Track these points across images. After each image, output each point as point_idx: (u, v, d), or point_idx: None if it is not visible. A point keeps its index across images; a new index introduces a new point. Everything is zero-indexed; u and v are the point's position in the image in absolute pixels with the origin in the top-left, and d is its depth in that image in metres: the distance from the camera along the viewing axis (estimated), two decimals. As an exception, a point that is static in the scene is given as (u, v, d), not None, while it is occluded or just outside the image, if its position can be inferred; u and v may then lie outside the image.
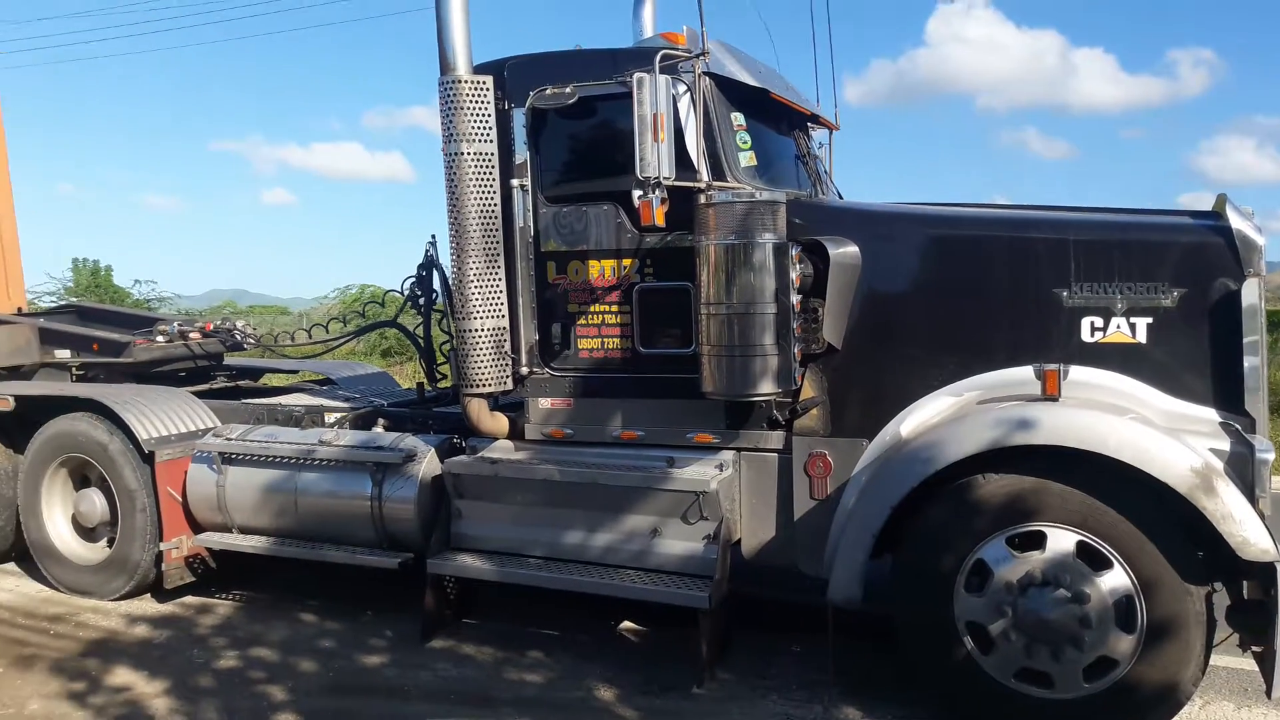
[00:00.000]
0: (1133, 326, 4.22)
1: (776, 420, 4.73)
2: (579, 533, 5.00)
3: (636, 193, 4.33)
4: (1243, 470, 3.78)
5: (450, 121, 4.89)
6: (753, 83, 4.85)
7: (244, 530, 5.89)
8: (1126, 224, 4.39)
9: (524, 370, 5.13)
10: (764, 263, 4.28)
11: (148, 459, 5.92)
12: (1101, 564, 3.87)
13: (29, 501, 6.40)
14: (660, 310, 4.87)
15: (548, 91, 4.87)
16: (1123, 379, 4.21)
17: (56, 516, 6.39)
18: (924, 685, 4.27)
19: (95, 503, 6.22)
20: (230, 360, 7.92)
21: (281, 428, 6.05)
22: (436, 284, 6.51)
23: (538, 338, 5.12)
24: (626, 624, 5.59)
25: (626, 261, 4.90)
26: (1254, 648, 3.99)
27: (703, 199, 4.38)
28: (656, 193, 4.28)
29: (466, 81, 4.86)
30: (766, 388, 4.36)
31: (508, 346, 5.08)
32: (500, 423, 5.24)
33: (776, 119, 5.27)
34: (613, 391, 5.02)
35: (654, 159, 4.23)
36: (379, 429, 5.85)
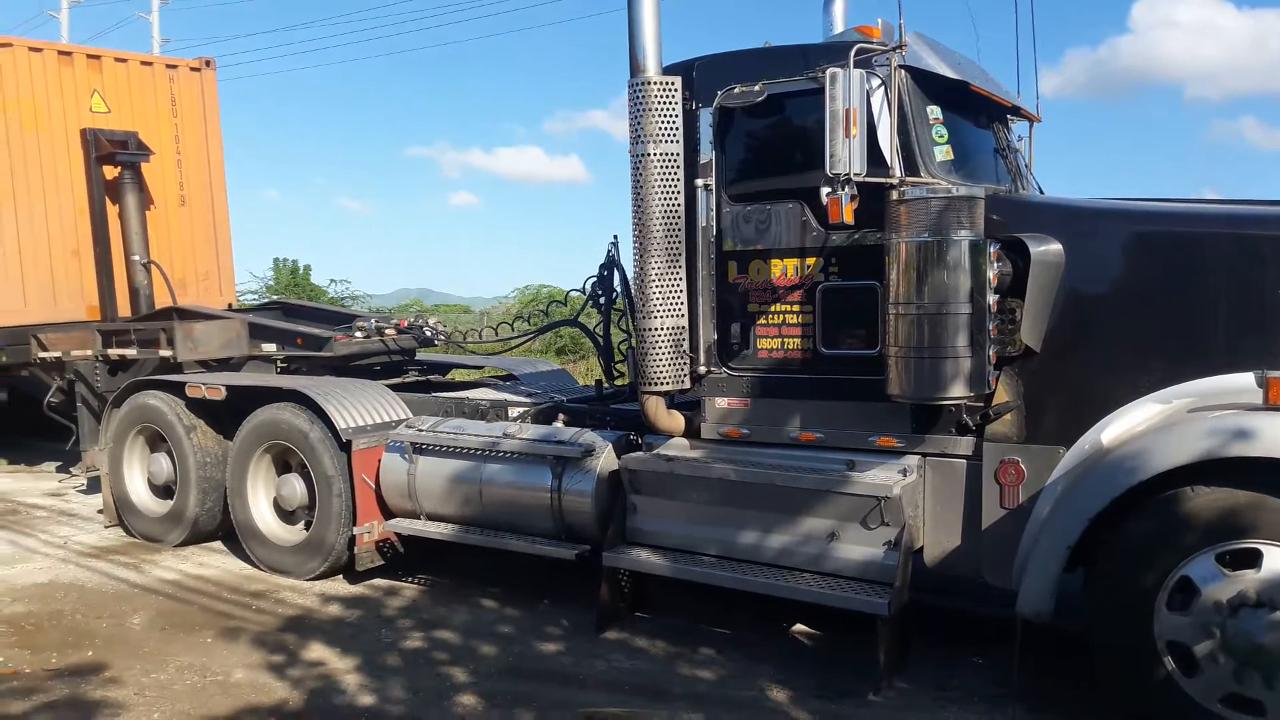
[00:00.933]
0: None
1: (966, 425, 4.68)
2: (753, 533, 5.09)
3: (825, 190, 4.40)
4: None
5: (638, 123, 5.11)
6: (951, 75, 4.83)
7: (431, 517, 6.30)
8: None
9: (702, 369, 5.27)
10: (959, 261, 4.25)
11: (345, 447, 6.42)
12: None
13: (236, 484, 7.05)
14: (844, 310, 4.92)
15: (736, 90, 5.02)
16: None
17: (260, 499, 7.00)
18: (1121, 706, 4.11)
19: (295, 487, 6.79)
20: (421, 356, 8.50)
21: (469, 420, 6.45)
22: (617, 284, 6.79)
23: (716, 337, 5.26)
24: (799, 627, 5.62)
25: (810, 260, 4.98)
26: None
27: (895, 195, 4.41)
28: (846, 190, 4.34)
29: (655, 83, 5.08)
30: (957, 391, 4.32)
31: (686, 345, 5.24)
32: (677, 421, 5.42)
33: (975, 112, 5.22)
34: (791, 392, 5.09)
35: (845, 155, 4.30)
36: (559, 424, 6.15)
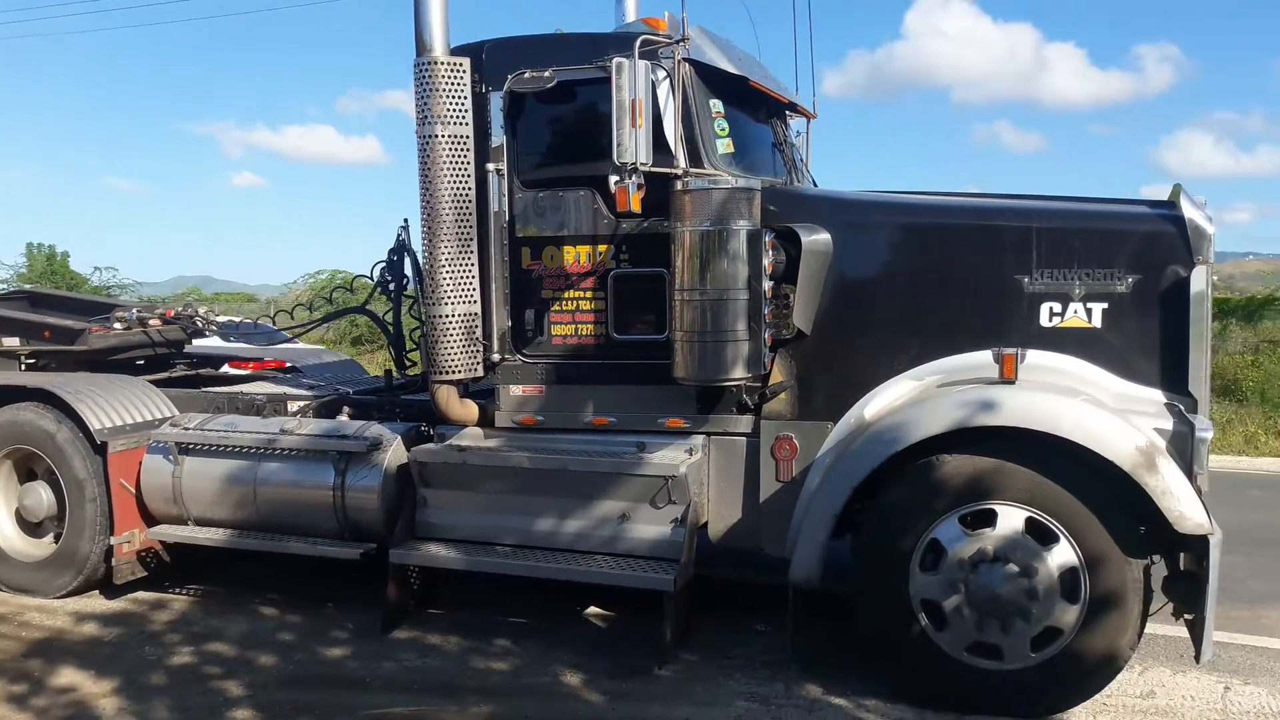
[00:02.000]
0: (1089, 312, 4.58)
1: (746, 404, 5.00)
2: (548, 520, 5.19)
3: (613, 178, 4.58)
4: (1183, 448, 4.12)
5: (426, 104, 5.11)
6: (732, 70, 5.14)
7: (200, 522, 5.96)
8: (1085, 213, 4.76)
9: (496, 357, 5.33)
10: (738, 249, 4.54)
11: (100, 450, 5.99)
12: (1049, 539, 4.18)
13: (-33, 496, 6.41)
14: (635, 296, 5.11)
15: (526, 75, 5.12)
16: (1077, 362, 4.56)
17: (-1, 511, 6.41)
18: (880, 662, 4.53)
19: (42, 496, 6.24)
20: (192, 348, 8.00)
21: (242, 416, 6.16)
22: (408, 269, 6.70)
23: (510, 324, 5.33)
24: (593, 609, 5.79)
25: (602, 248, 5.15)
26: (1185, 616, 4.33)
27: (679, 185, 4.65)
28: (633, 178, 4.54)
29: (443, 63, 5.09)
30: (738, 373, 4.62)
31: (479, 333, 5.28)
32: (470, 410, 5.44)
33: (755, 106, 5.57)
34: (586, 378, 5.24)
35: (631, 144, 4.49)
36: (343, 417, 6.01)
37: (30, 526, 6.38)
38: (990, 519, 4.24)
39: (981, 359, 4.57)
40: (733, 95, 5.25)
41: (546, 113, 5.23)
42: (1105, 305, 4.56)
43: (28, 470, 6.42)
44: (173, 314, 7.49)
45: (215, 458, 5.85)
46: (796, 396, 4.92)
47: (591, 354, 5.21)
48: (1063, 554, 4.15)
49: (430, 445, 5.44)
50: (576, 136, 5.27)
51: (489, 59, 5.21)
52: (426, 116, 5.11)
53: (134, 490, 6.06)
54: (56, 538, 6.24)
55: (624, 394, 5.19)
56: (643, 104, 4.51)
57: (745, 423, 5.03)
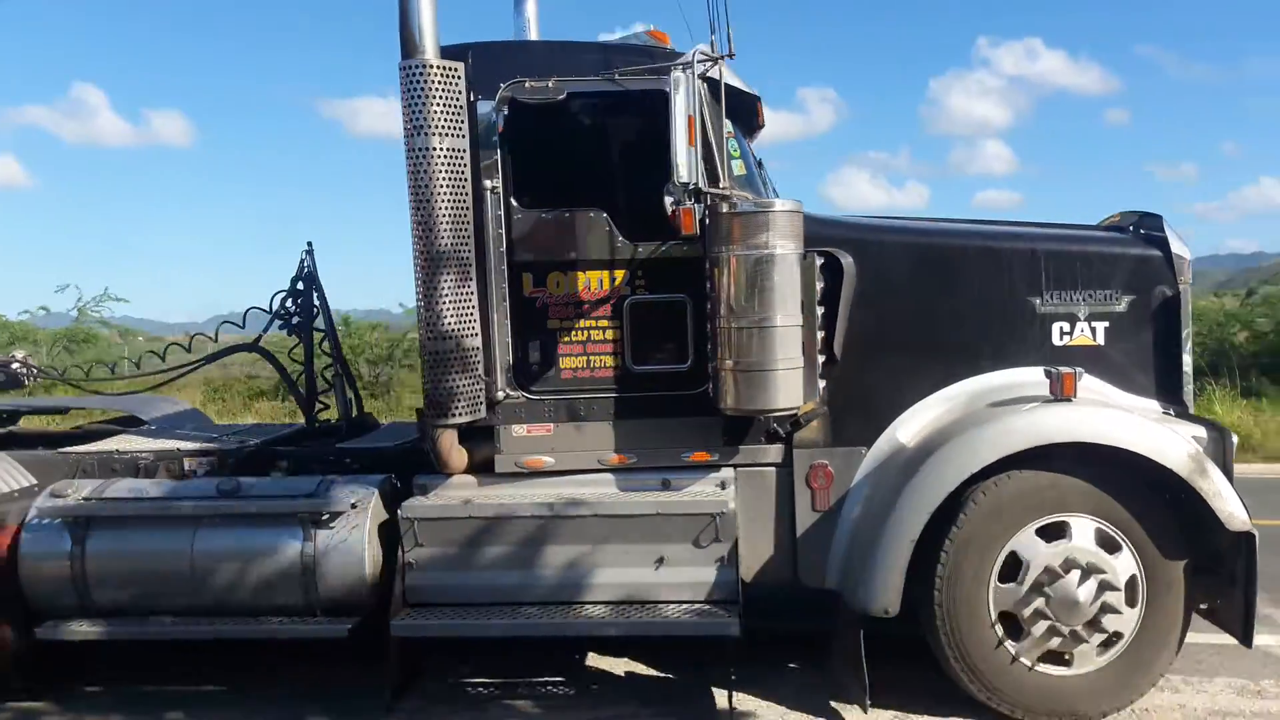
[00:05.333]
0: (1094, 330, 5.05)
1: (776, 433, 5.01)
2: (571, 571, 4.89)
3: (670, 199, 4.41)
4: (1216, 453, 4.67)
5: (418, 112, 4.63)
6: (747, 89, 5.12)
7: (107, 612, 5.02)
8: (1084, 237, 5.23)
9: (499, 394, 4.94)
10: (790, 274, 4.54)
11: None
12: (1114, 548, 4.58)
13: None
14: (653, 324, 4.96)
15: (528, 85, 4.80)
16: (1087, 377, 5.01)
17: None
18: (954, 676, 4.72)
19: None
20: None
21: (150, 480, 5.26)
22: (316, 301, 6.11)
23: (512, 358, 4.97)
24: (594, 661, 5.54)
25: (618, 273, 4.94)
26: (1202, 605, 4.90)
27: (725, 207, 4.56)
28: (693, 200, 4.40)
29: (436, 67, 4.63)
30: (793, 401, 4.61)
31: (480, 369, 4.87)
32: (462, 457, 5.00)
33: (749, 127, 5.59)
34: (600, 414, 5.00)
35: (689, 164, 4.36)
36: (278, 473, 5.30)
37: None
38: (1064, 530, 4.55)
39: (1023, 376, 4.92)
40: (741, 115, 5.24)
41: (550, 126, 4.93)
42: (1107, 324, 5.05)
43: None
44: None
45: (132, 530, 4.95)
46: (829, 422, 4.99)
47: (606, 387, 5.00)
48: (1126, 561, 4.56)
49: (424, 499, 4.96)
50: (586, 153, 5.04)
51: (477, 64, 4.83)
52: (420, 126, 4.64)
53: (-2, 579, 4.99)
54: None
55: (644, 428, 5.02)
56: (695, 121, 4.38)
57: (775, 452, 5.04)
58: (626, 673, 5.44)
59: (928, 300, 5.04)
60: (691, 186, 4.38)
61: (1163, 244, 5.09)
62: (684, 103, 4.35)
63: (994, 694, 4.65)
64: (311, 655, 5.36)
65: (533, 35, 6.99)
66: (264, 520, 4.94)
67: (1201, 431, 4.76)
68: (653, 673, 5.42)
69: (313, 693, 5.20)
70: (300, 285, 6.10)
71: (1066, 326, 5.05)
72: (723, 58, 4.59)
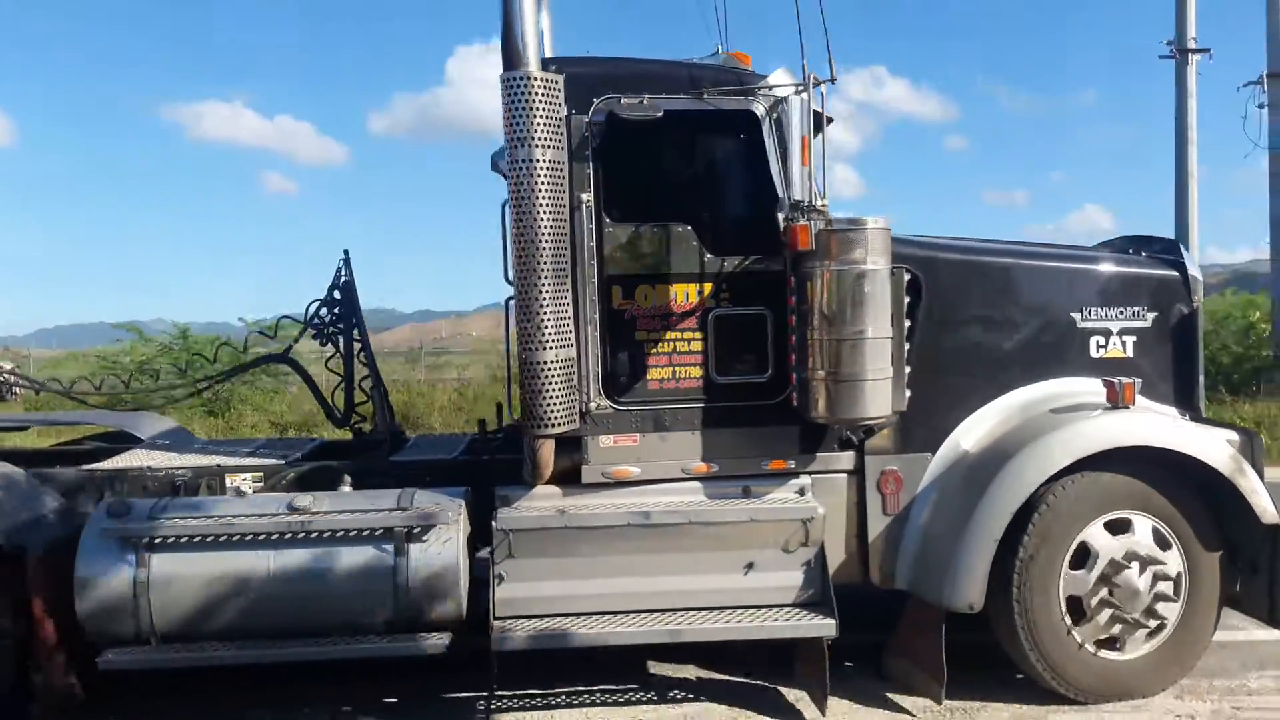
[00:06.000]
0: (1124, 343, 5.57)
1: (849, 441, 5.29)
2: (662, 579, 5.02)
3: (783, 215, 4.63)
4: (1246, 454, 5.24)
5: (523, 123, 4.66)
6: (824, 111, 5.39)
7: (170, 638, 4.77)
8: (1117, 260, 5.74)
9: (593, 405, 5.01)
10: (883, 289, 4.82)
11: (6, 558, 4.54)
12: (1166, 545, 5.07)
13: None
14: (736, 336, 5.15)
15: (623, 101, 4.93)
16: (1094, 384, 5.49)
17: None
18: (1024, 661, 5.08)
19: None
20: None
21: (207, 498, 5.05)
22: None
23: (601, 370, 5.05)
24: (656, 668, 5.62)
25: (704, 286, 5.10)
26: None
27: (824, 224, 4.81)
28: (807, 216, 4.63)
29: (539, 79, 4.69)
30: (883, 410, 4.90)
31: (575, 380, 4.93)
32: (552, 468, 5.03)
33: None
34: (684, 424, 5.15)
35: (801, 183, 4.59)
36: (346, 487, 5.18)
37: None
38: (1127, 526, 5.01)
39: (1060, 388, 5.41)
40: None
41: (639, 140, 5.05)
42: (1135, 338, 5.58)
43: None
44: None
45: (205, 550, 4.74)
46: (898, 430, 5.30)
47: (691, 398, 5.16)
48: (1174, 555, 5.06)
49: (518, 510, 4.97)
50: (672, 168, 5.18)
51: (570, 79, 4.90)
52: (524, 138, 4.67)
53: (47, 609, 4.68)
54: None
55: (725, 438, 5.19)
56: (808, 141, 4.62)
57: (847, 459, 5.31)
58: (697, 677, 5.56)
59: (987, 316, 5.43)
60: (806, 204, 4.61)
61: (1180, 266, 5.67)
62: (798, 125, 4.59)
63: (1059, 677, 5.04)
64: (340, 675, 5.26)
65: (547, 47, 7.11)
66: (352, 535, 4.81)
67: (1233, 435, 5.33)
68: (720, 676, 5.56)
69: (389, 709, 5.09)
70: (337, 294, 5.96)
71: (1102, 340, 5.55)
72: (826, 81, 4.84)
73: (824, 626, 4.91)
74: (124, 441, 6.25)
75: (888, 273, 4.86)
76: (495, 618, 4.89)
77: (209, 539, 4.77)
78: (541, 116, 4.69)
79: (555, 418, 4.80)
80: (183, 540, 4.75)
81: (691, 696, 5.29)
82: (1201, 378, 5.73)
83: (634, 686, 5.39)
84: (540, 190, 4.70)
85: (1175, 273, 5.67)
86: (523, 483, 5.11)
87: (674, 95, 5.01)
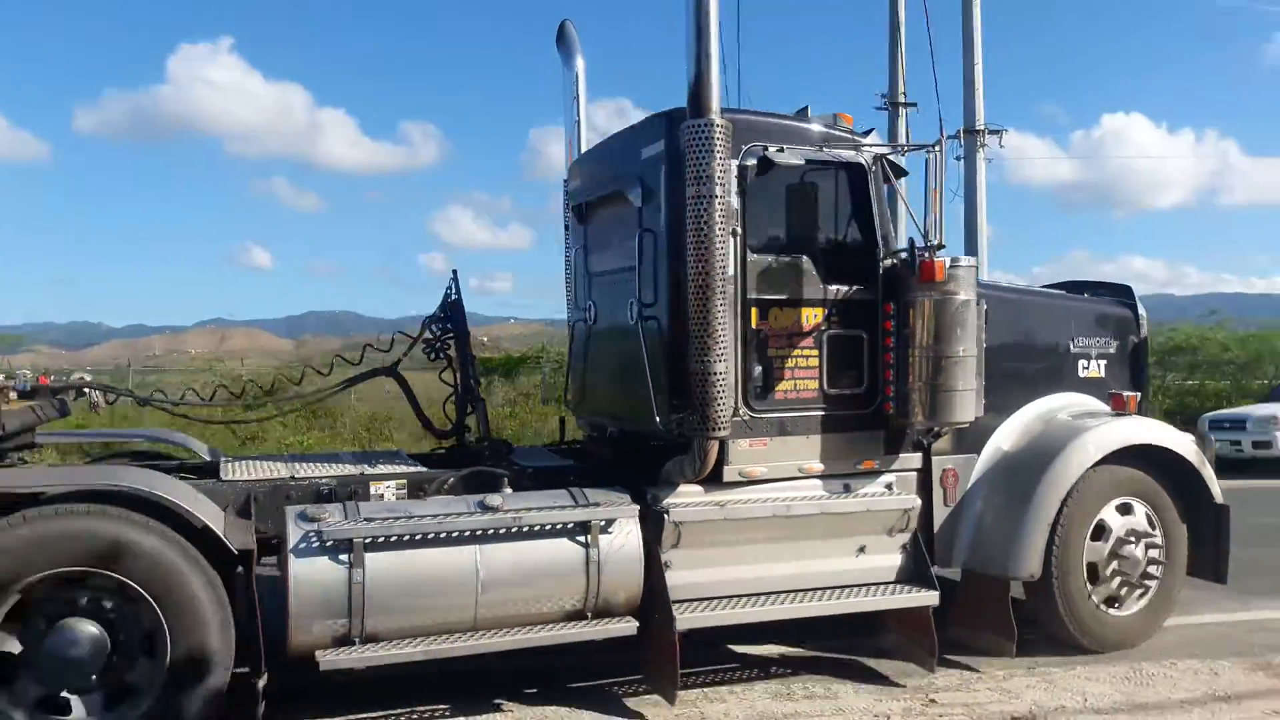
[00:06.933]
0: (1100, 365, 7.12)
1: (920, 443, 6.40)
2: (793, 563, 5.87)
3: (920, 252, 5.68)
4: (1203, 449, 6.89)
5: (703, 165, 5.38)
6: (904, 167, 6.48)
7: (376, 637, 4.98)
8: (1094, 300, 7.29)
9: (737, 413, 5.77)
10: (972, 315, 5.98)
11: (234, 560, 4.63)
12: (1154, 524, 6.59)
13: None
14: (842, 354, 6.11)
15: (770, 150, 5.79)
16: (1083, 398, 7.03)
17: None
18: (1054, 619, 6.37)
19: (87, 638, 4.48)
20: None
21: (397, 502, 5.32)
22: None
23: (742, 381, 5.82)
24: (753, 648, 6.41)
25: (819, 311, 6.03)
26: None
27: (929, 259, 5.90)
28: (936, 254, 5.71)
29: (720, 126, 5.45)
30: (970, 415, 6.04)
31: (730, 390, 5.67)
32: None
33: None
34: (801, 429, 6.03)
35: (936, 225, 5.68)
36: (507, 489, 5.61)
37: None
38: (1130, 509, 6.47)
39: (1060, 401, 6.84)
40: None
41: (774, 183, 5.91)
42: (1105, 361, 7.15)
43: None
44: (47, 382, 5.65)
45: (415, 550, 5.02)
46: (954, 435, 6.48)
47: (807, 406, 6.05)
48: (1158, 531, 6.57)
49: (687, 504, 5.63)
50: (798, 208, 6.04)
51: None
52: (703, 176, 5.40)
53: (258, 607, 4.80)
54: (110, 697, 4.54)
55: (831, 442, 6.13)
56: (939, 193, 5.73)
57: (917, 460, 6.41)
58: (779, 655, 6.42)
59: (1018, 342, 6.77)
60: (937, 244, 5.68)
61: (1133, 307, 7.33)
62: (935, 177, 5.65)
63: (1081, 630, 6.39)
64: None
65: (581, 91, 7.87)
66: (549, 530, 5.27)
67: (1190, 437, 6.99)
68: (809, 653, 6.45)
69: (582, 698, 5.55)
70: (443, 313, 6.28)
71: (1086, 363, 7.07)
72: (952, 138, 5.92)
73: (929, 597, 5.96)
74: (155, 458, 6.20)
75: (975, 303, 6.02)
76: (674, 601, 5.49)
77: (418, 538, 5.05)
78: (719, 159, 5.44)
79: (723, 422, 5.53)
80: (392, 540, 5.00)
81: (789, 671, 6.15)
82: (1150, 391, 7.40)
83: (733, 665, 6.17)
84: (717, 223, 5.44)
85: (1129, 311, 7.32)
86: (665, 483, 5.77)
87: (803, 146, 5.93)
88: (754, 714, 5.39)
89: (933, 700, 5.64)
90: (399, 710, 5.44)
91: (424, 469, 5.81)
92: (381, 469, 5.78)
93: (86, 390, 5.69)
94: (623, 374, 6.40)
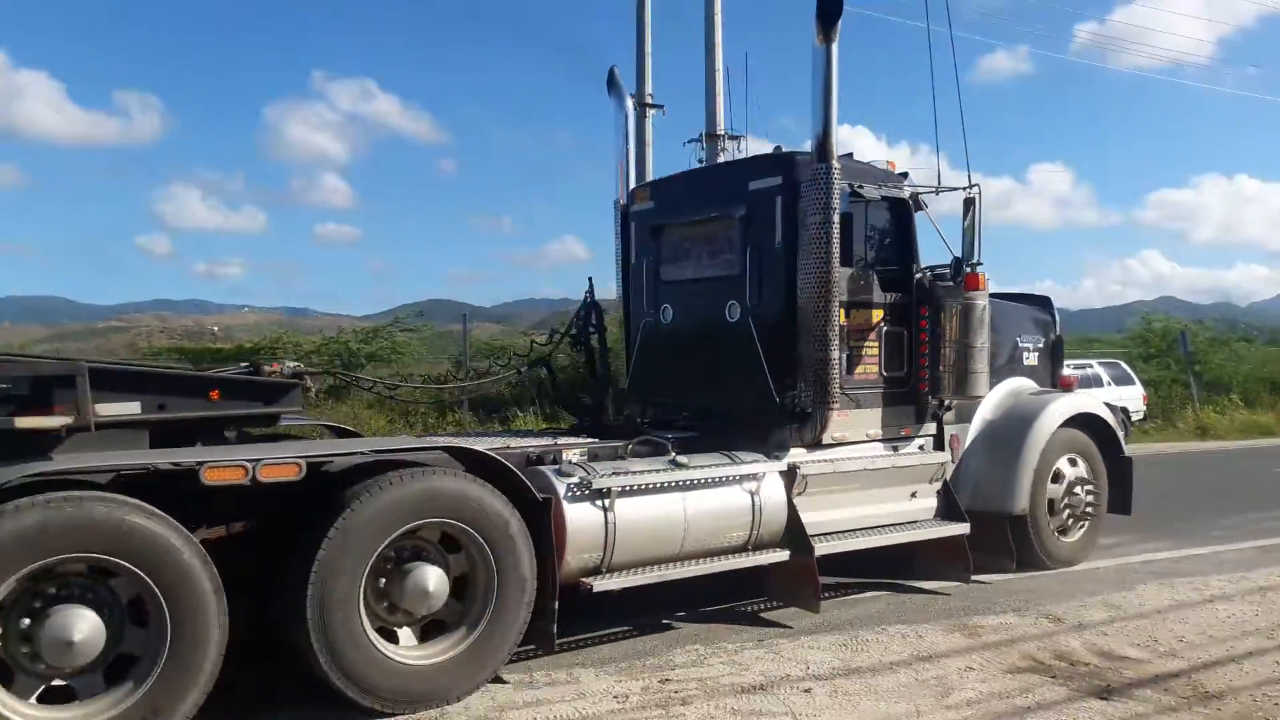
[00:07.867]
0: (1035, 355, 9.51)
1: (937, 415, 8.43)
2: (869, 507, 7.69)
3: (967, 268, 7.68)
4: (1118, 416, 9.38)
5: (829, 198, 7.14)
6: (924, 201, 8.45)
7: (614, 568, 6.27)
8: (1029, 306, 9.66)
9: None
10: (986, 314, 8.07)
11: (536, 506, 5.81)
12: (1090, 473, 8.99)
13: (345, 593, 5.11)
14: (892, 345, 8.02)
15: (861, 186, 7.61)
16: (1028, 381, 9.38)
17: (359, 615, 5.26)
18: (1031, 545, 8.57)
19: (428, 580, 5.50)
20: None
21: (619, 461, 6.64)
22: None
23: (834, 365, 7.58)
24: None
25: (879, 312, 7.90)
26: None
27: (974, 273, 7.92)
28: (973, 268, 7.72)
29: (838, 169, 7.20)
30: (984, 391, 8.13)
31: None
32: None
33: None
34: (868, 403, 7.87)
35: (977, 246, 7.72)
36: (673, 452, 7.02)
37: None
38: (1076, 461, 8.83)
39: (1015, 385, 9.10)
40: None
41: (855, 213, 7.72)
42: (1037, 353, 9.54)
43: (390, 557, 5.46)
44: (277, 368, 6.50)
45: (646, 497, 6.38)
46: (957, 409, 8.57)
47: (871, 386, 7.91)
48: (1093, 478, 8.99)
49: (810, 460, 7.29)
50: (865, 231, 7.87)
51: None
52: (828, 207, 7.16)
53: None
54: (469, 627, 5.60)
55: (885, 414, 8.03)
56: (978, 223, 7.77)
57: (933, 428, 8.44)
58: (836, 582, 8.20)
59: (996, 337, 8.94)
60: (976, 260, 7.71)
61: (1051, 311, 9.79)
62: (975, 212, 7.67)
63: (1048, 554, 8.66)
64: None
65: (631, 128, 9.36)
66: (721, 484, 6.76)
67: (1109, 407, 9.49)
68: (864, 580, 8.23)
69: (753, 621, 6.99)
70: (584, 312, 7.57)
71: (1028, 355, 9.42)
72: (974, 185, 7.94)
73: (962, 527, 7.98)
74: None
75: (987, 305, 8.11)
76: (811, 536, 7.12)
77: (648, 488, 6.40)
78: (836, 193, 7.19)
79: (835, 396, 7.26)
80: (631, 489, 6.33)
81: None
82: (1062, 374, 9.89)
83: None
84: (834, 243, 7.18)
85: (1050, 315, 9.78)
86: (777, 447, 7.41)
87: (872, 184, 7.79)
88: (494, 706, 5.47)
89: (667, 679, 5.85)
90: (592, 634, 6.67)
91: (597, 440, 7.08)
92: (564, 440, 7.00)
93: (305, 377, 6.45)
94: (716, 363, 7.97)
